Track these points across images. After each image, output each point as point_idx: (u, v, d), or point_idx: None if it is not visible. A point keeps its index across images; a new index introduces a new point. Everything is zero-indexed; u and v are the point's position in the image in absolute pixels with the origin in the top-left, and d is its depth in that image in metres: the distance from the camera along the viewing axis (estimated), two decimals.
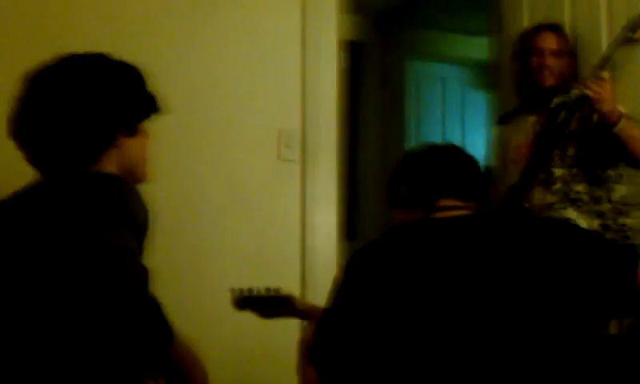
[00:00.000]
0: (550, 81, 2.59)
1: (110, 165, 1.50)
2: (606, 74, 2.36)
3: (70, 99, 1.45)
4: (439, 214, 1.53)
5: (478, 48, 4.66)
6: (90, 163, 1.47)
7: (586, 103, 2.41)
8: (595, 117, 2.44)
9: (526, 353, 1.34)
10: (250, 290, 2.06)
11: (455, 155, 1.62)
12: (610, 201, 2.50)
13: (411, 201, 1.58)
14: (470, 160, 1.62)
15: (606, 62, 2.41)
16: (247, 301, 2.07)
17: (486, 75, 3.99)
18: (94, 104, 1.46)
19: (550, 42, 2.61)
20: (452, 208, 1.53)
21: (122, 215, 1.33)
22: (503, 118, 2.84)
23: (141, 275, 1.29)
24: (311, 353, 1.44)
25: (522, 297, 1.36)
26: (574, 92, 2.59)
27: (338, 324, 1.43)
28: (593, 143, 2.47)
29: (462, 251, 1.42)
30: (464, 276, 1.38)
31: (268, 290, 2.05)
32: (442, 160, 1.60)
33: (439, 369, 1.34)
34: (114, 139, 1.49)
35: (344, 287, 1.46)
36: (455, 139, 4.94)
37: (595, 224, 2.45)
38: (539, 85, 2.60)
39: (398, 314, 1.37)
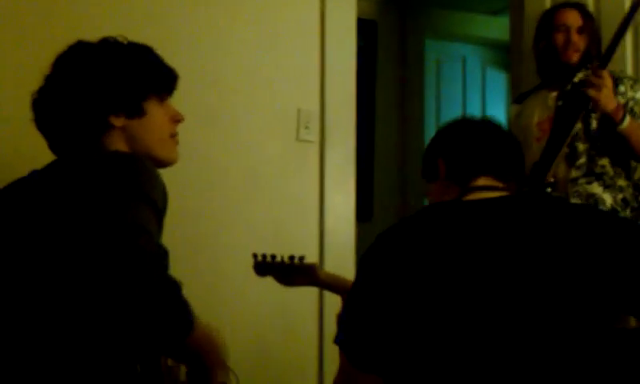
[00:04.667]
0: (575, 58, 2.58)
1: (118, 147, 1.49)
2: (604, 73, 2.34)
3: (63, 85, 1.50)
4: (474, 195, 1.49)
5: (499, 28, 4.62)
6: (93, 146, 1.48)
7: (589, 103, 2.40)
8: (595, 120, 2.46)
9: (555, 340, 1.30)
10: (273, 257, 2.02)
11: (495, 132, 1.58)
12: (628, 178, 2.49)
13: (448, 176, 1.55)
14: (509, 137, 1.59)
15: (607, 59, 2.37)
16: (269, 267, 2.03)
17: (506, 55, 3.95)
18: (82, 88, 1.48)
19: (574, 18, 2.60)
20: (488, 188, 1.50)
21: (136, 193, 1.32)
22: (520, 97, 2.82)
23: (156, 254, 1.26)
24: (338, 336, 1.42)
25: (549, 284, 1.33)
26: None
27: (366, 307, 1.40)
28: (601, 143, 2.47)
29: (493, 236, 1.38)
30: (494, 261, 1.35)
31: (292, 257, 2.01)
32: (482, 136, 1.56)
33: (467, 352, 1.32)
34: (105, 121, 1.49)
35: (371, 270, 1.44)
36: None
37: (619, 198, 2.45)
38: (565, 62, 2.59)
39: (426, 299, 1.35)
